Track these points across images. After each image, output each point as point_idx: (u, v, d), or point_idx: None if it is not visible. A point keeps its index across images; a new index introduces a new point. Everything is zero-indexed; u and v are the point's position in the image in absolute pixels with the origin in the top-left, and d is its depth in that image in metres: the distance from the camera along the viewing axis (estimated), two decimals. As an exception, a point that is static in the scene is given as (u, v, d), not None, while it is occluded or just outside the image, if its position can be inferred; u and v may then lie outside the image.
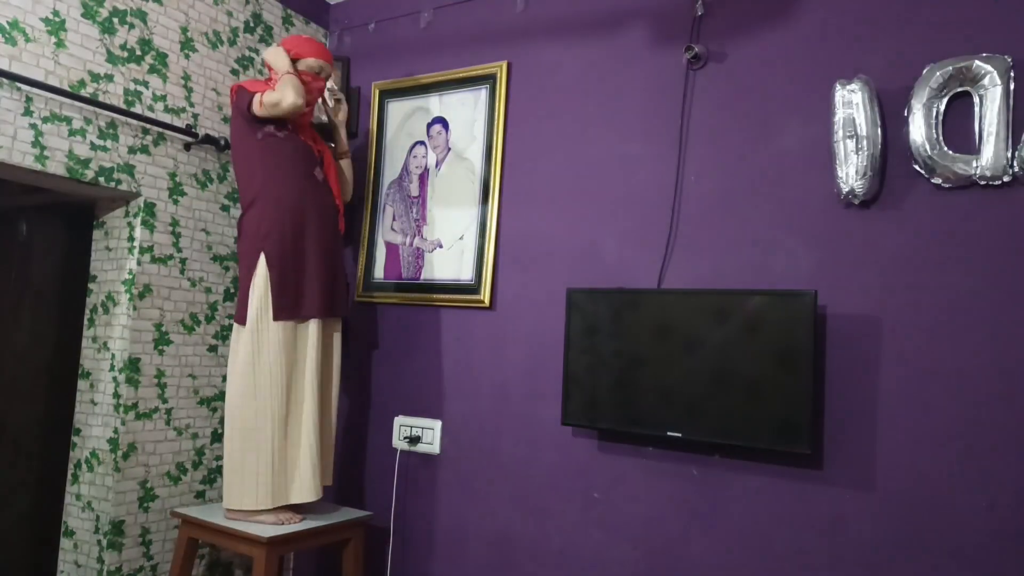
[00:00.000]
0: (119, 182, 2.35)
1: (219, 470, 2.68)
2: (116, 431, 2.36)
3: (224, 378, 2.67)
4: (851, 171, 1.93)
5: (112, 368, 2.41)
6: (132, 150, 2.39)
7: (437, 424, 2.62)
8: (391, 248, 2.82)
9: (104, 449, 2.38)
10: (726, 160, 2.18)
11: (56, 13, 2.17)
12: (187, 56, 2.56)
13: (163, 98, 2.48)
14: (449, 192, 2.70)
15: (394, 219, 2.83)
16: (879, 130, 1.92)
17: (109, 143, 2.31)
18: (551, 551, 2.34)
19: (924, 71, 1.89)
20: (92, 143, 2.27)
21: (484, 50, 2.68)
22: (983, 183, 1.82)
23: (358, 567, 2.48)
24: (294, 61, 2.36)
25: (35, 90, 2.11)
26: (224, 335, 2.69)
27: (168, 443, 2.51)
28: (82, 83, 2.23)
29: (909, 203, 1.92)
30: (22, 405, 2.62)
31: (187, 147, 2.56)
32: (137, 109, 2.39)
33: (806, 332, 1.89)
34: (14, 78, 2.04)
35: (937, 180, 1.87)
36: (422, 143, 2.79)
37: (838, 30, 2.05)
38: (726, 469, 2.09)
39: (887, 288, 1.93)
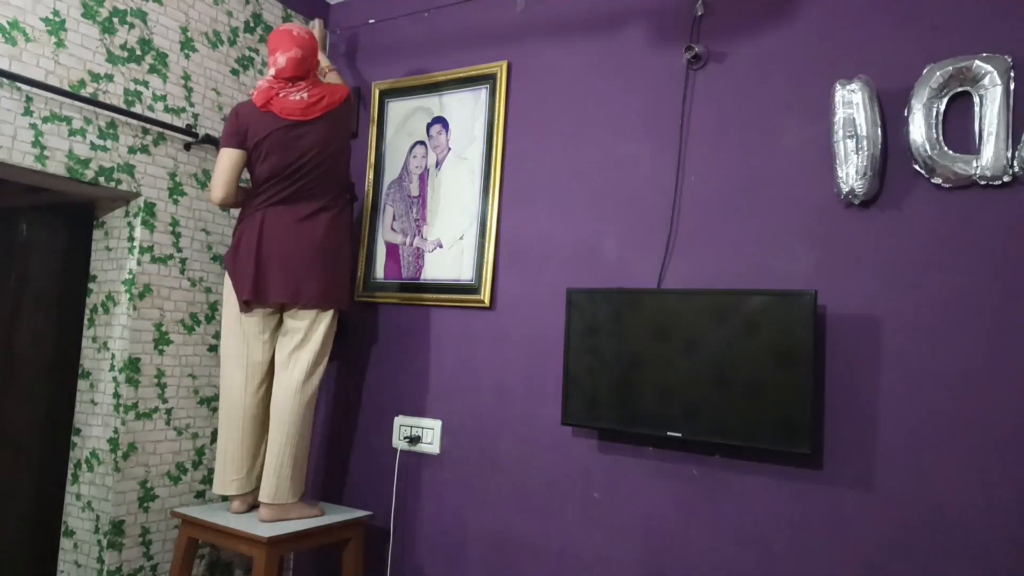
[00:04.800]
0: (119, 182, 2.35)
1: (219, 470, 2.68)
2: (116, 431, 2.36)
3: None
4: (851, 171, 1.93)
5: (112, 368, 2.41)
6: (132, 150, 2.39)
7: (437, 424, 2.62)
8: (391, 248, 2.82)
9: (104, 449, 2.38)
10: (726, 160, 2.18)
11: (56, 13, 2.17)
12: (187, 56, 2.56)
13: (163, 98, 2.48)
14: (449, 192, 2.70)
15: (394, 219, 2.83)
16: (879, 130, 1.92)
17: (109, 143, 2.31)
18: (551, 551, 2.34)
19: (924, 71, 1.89)
20: (92, 143, 2.27)
21: (484, 50, 2.68)
22: (983, 183, 1.82)
23: (358, 567, 2.48)
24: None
25: (35, 90, 2.11)
26: (224, 335, 2.69)
27: (168, 443, 2.51)
28: (82, 83, 2.23)
29: (909, 203, 1.92)
30: (22, 405, 2.62)
31: (187, 147, 2.56)
32: (137, 109, 2.39)
33: (806, 332, 1.89)
34: (14, 78, 2.04)
35: (937, 180, 1.87)
36: (422, 143, 2.79)
37: (838, 30, 2.05)
38: (726, 469, 2.09)
39: (887, 288, 1.93)
